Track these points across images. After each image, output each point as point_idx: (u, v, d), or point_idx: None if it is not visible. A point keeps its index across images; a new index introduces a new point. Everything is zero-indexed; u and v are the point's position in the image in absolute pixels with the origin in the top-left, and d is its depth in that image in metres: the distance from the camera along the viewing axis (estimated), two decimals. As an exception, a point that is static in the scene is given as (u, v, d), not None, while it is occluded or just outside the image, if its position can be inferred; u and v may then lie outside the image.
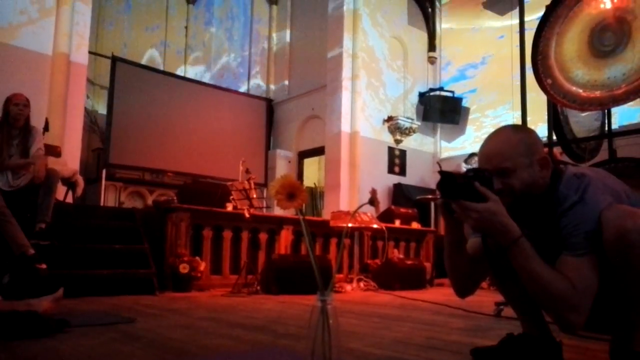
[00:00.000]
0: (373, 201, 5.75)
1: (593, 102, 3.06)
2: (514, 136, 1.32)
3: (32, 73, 5.46)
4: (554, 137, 3.60)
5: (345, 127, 8.12)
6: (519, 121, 3.87)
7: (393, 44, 9.03)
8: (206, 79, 10.64)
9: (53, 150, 5.01)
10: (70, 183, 5.06)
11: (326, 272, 3.79)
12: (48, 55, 5.62)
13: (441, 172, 1.22)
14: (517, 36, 3.66)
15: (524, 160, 1.29)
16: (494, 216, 1.18)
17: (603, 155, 3.63)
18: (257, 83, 10.76)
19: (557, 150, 4.09)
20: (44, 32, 5.62)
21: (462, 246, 1.38)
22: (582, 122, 3.87)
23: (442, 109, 8.91)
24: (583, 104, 3.13)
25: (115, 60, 8.10)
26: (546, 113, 3.53)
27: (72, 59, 5.80)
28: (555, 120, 3.60)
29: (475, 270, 1.42)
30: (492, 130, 1.41)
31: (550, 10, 3.23)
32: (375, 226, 5.15)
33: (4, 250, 3.13)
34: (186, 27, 11.03)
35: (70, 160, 5.47)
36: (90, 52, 6.63)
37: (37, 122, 4.01)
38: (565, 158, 3.95)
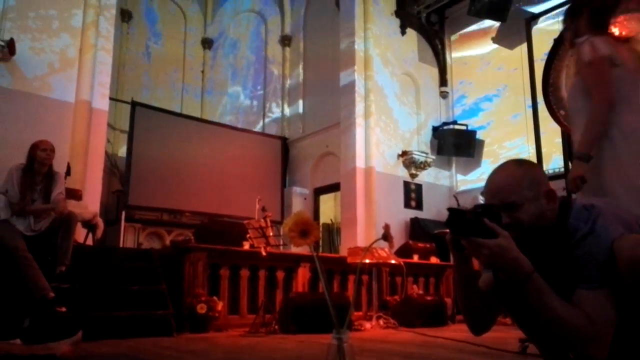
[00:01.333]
0: (387, 236, 5.70)
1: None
2: (517, 170, 1.33)
3: (55, 120, 5.63)
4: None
5: (359, 163, 8.15)
6: (534, 152, 3.85)
7: (404, 80, 9.17)
8: (222, 119, 10.90)
9: (74, 194, 5.13)
10: (90, 225, 5.16)
11: (344, 309, 3.73)
12: (71, 104, 5.80)
13: (450, 210, 1.22)
14: (528, 68, 3.70)
15: (530, 194, 1.29)
16: (505, 252, 1.18)
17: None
18: (271, 122, 10.97)
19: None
20: (67, 82, 5.83)
21: (474, 282, 1.37)
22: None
23: (456, 143, 8.93)
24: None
25: (134, 105, 8.37)
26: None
27: (93, 105, 5.98)
28: (571, 150, 3.58)
29: (489, 306, 1.40)
30: (509, 161, 1.41)
31: (558, 43, 3.27)
32: (393, 262, 5.08)
33: (25, 293, 3.17)
34: (202, 71, 11.42)
35: (91, 203, 5.58)
36: (110, 98, 6.85)
37: (59, 167, 4.12)
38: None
